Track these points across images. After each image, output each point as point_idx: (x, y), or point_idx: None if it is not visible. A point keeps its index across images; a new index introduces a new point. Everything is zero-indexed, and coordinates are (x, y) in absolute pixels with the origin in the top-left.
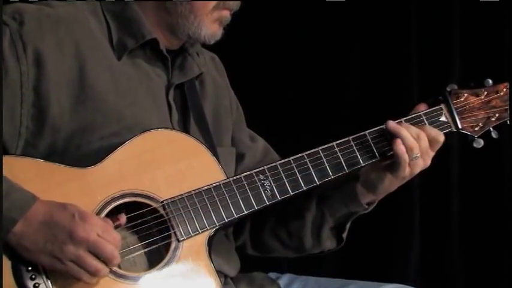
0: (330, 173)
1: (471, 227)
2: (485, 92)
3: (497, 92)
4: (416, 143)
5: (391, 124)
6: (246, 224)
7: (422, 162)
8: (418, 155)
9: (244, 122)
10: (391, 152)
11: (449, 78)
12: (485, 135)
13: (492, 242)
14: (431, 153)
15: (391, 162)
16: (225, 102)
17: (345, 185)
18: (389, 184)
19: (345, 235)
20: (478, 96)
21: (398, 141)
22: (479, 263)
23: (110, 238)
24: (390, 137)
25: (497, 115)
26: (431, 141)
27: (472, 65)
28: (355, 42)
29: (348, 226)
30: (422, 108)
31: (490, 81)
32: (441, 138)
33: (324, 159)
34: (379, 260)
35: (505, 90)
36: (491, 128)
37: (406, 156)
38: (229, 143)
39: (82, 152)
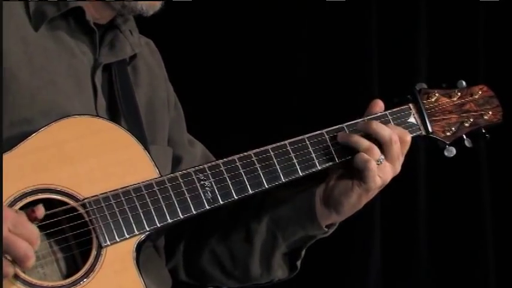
0: (281, 176)
1: (441, 228)
2: (459, 94)
3: (471, 95)
4: (372, 144)
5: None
6: (179, 245)
7: (392, 169)
8: (382, 158)
9: (184, 122)
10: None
11: (415, 74)
12: (458, 143)
13: (465, 246)
14: (401, 158)
15: (357, 171)
16: (161, 94)
17: (302, 202)
18: (358, 199)
19: (299, 262)
20: (451, 98)
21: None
22: (449, 271)
23: (25, 233)
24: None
25: (471, 120)
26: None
27: (441, 59)
28: (308, 33)
29: (303, 252)
30: (379, 105)
31: (464, 82)
32: (408, 137)
33: (275, 160)
34: (334, 269)
35: (480, 93)
36: (464, 136)
37: (372, 163)
38: (164, 142)
39: None
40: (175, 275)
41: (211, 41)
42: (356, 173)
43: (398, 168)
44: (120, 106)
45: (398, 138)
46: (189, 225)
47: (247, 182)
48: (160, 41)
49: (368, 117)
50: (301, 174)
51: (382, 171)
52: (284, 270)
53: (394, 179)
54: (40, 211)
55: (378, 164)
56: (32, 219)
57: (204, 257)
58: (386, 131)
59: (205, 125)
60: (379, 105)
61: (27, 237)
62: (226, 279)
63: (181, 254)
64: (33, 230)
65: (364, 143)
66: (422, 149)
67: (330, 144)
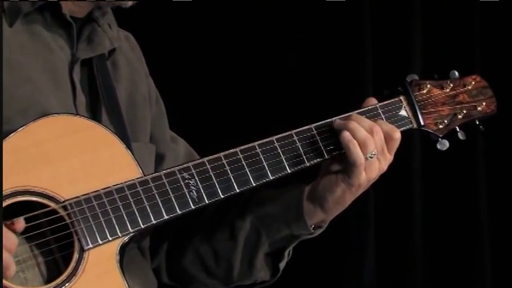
0: (269, 174)
1: (436, 227)
2: (451, 85)
3: (464, 86)
4: (370, 136)
5: (337, 121)
6: (163, 245)
7: (378, 165)
8: (374, 153)
9: (166, 118)
10: (343, 150)
11: (409, 71)
12: (451, 136)
13: (461, 245)
14: (389, 156)
15: (344, 166)
16: (142, 89)
17: (289, 199)
18: (342, 195)
19: (282, 265)
20: (443, 89)
21: (347, 135)
22: (445, 270)
23: (5, 242)
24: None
25: (464, 112)
26: (386, 139)
27: (436, 56)
28: (301, 30)
29: (286, 254)
30: (374, 102)
31: (456, 73)
32: (396, 134)
33: (262, 156)
34: (329, 268)
35: (473, 83)
36: (457, 128)
37: (360, 154)
38: (146, 139)
39: None
40: (158, 277)
41: (195, 34)
42: (342, 167)
43: (384, 165)
44: (103, 102)
45: (387, 135)
46: (173, 225)
47: (233, 180)
48: (140, 35)
49: (357, 111)
50: (289, 171)
51: (370, 167)
52: (266, 271)
53: (389, 177)
54: (20, 225)
55: (371, 158)
56: (11, 231)
57: (187, 258)
58: (366, 122)
59: (188, 121)
60: (372, 102)
61: (7, 246)
62: (209, 280)
63: (165, 254)
64: (11, 238)
65: (362, 132)
66: (417, 146)
67: (318, 140)
